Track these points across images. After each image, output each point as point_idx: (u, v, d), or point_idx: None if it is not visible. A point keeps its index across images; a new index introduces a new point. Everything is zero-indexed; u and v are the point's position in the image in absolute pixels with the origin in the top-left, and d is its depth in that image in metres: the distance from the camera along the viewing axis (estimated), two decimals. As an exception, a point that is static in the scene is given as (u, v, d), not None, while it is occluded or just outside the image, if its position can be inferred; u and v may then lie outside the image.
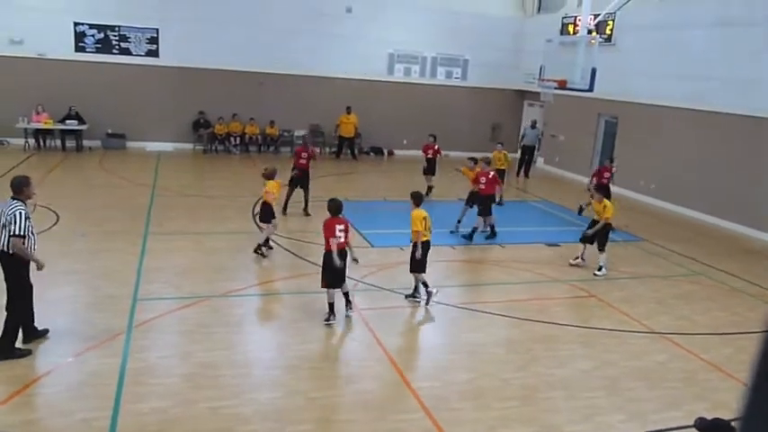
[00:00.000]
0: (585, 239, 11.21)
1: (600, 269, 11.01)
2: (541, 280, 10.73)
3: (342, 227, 8.19)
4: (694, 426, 4.35)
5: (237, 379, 6.70)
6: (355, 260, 8.42)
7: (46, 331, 7.31)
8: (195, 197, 14.79)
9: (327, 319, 8.18)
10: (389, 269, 10.59)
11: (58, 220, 11.92)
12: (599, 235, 11.01)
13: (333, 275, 8.16)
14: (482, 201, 12.78)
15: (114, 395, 6.15)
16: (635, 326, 8.90)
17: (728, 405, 6.76)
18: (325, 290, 8.24)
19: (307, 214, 13.48)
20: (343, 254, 8.15)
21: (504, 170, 15.88)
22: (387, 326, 8.33)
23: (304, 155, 13.75)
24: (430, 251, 9.13)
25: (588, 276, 10.88)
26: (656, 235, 13.60)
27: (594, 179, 14.01)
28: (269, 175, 10.99)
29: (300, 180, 13.60)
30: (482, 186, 12.71)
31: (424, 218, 8.99)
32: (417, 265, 9.00)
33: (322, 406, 6.28)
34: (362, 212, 14.03)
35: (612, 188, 14.20)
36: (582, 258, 11.36)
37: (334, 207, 8.25)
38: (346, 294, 8.41)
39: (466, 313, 8.99)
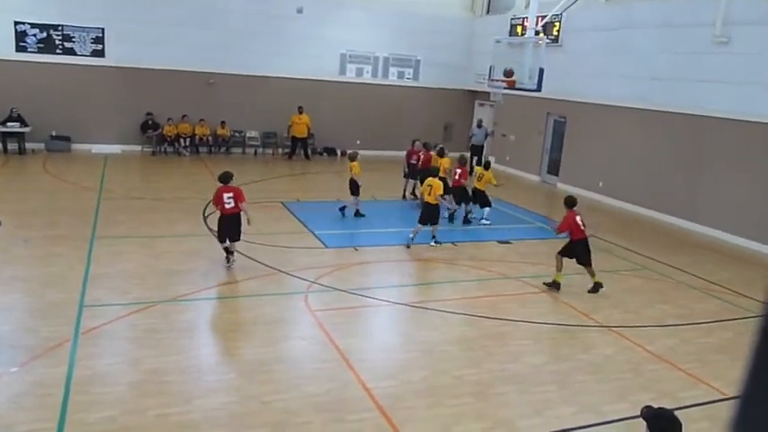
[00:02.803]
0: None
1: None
2: (493, 277, 10.87)
3: (230, 194, 9.77)
4: (641, 415, 4.46)
5: (188, 385, 6.58)
6: (248, 221, 9.88)
7: None
8: (143, 200, 14.46)
9: (226, 261, 10.12)
10: (343, 270, 10.57)
11: (-2, 226, 11.48)
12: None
13: (221, 233, 10.00)
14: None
15: (60, 405, 5.96)
16: (584, 320, 9.10)
17: (673, 395, 7.00)
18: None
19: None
20: (232, 217, 9.80)
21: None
22: (340, 326, 8.32)
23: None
24: None
25: (539, 273, 11.05)
26: (604, 231, 13.92)
27: None
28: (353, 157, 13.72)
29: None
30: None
31: None
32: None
33: (276, 409, 6.22)
34: (316, 213, 13.97)
35: None
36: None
37: (222, 177, 9.87)
38: (230, 248, 10.07)
39: (419, 312, 9.04)
